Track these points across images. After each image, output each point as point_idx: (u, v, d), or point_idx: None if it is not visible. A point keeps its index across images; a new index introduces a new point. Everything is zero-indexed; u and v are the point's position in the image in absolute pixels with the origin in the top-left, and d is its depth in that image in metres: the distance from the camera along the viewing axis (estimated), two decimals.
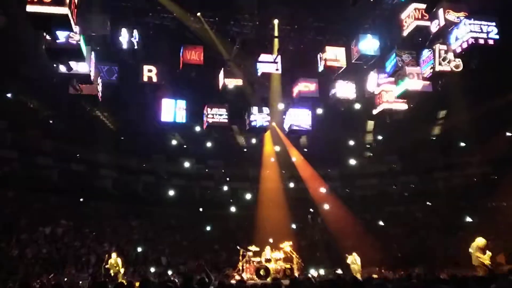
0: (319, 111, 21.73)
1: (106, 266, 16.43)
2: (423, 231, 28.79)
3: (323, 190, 31.12)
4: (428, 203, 31.22)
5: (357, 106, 20.21)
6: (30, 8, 11.07)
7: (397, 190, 33.93)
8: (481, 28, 13.16)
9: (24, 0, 11.02)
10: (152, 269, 21.86)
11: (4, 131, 25.14)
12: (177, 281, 11.88)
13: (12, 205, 23.38)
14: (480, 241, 13.35)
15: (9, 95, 23.23)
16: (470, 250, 13.44)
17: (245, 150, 30.32)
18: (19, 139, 25.77)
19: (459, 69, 14.85)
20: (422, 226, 29.59)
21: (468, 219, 27.69)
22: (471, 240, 13.74)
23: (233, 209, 32.00)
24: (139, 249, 23.77)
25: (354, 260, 18.61)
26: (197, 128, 23.32)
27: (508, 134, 27.14)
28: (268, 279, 16.26)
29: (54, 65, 14.30)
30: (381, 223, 30.69)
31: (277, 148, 28.50)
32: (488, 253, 13.22)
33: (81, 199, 27.35)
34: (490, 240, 15.53)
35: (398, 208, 31.98)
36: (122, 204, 28.35)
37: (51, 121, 25.71)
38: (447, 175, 32.11)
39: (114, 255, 16.96)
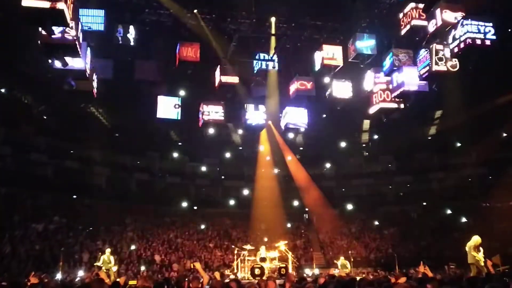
0: (315, 109, 21.67)
1: (98, 264, 16.26)
2: (418, 231, 28.86)
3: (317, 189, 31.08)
4: (423, 203, 31.32)
5: (354, 105, 20.15)
6: (25, 2, 10.90)
7: (392, 190, 34.01)
8: (478, 29, 13.12)
9: None
10: (142, 268, 21.68)
11: None
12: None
13: (5, 201, 23.17)
14: (476, 239, 13.35)
15: (2, 90, 23.04)
16: (466, 248, 13.44)
17: (240, 148, 30.26)
18: (12, 135, 25.56)
19: (456, 69, 14.84)
20: (417, 226, 29.67)
21: (463, 219, 27.79)
22: (466, 241, 13.73)
23: (228, 207, 31.93)
24: (133, 247, 23.63)
25: (345, 264, 18.63)
26: (193, 126, 23.19)
27: (503, 135, 27.24)
28: (263, 278, 16.20)
29: (49, 60, 14.13)
30: (376, 223, 30.76)
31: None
32: (482, 251, 13.24)
33: (75, 196, 27.19)
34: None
35: (393, 208, 32.07)
36: (116, 201, 28.22)
37: (45, 117, 25.51)
38: (442, 175, 32.21)
39: (108, 250, 16.83)
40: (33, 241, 21.14)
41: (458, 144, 30.50)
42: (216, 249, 26.31)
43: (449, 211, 29.56)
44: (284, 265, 17.22)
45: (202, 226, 29.01)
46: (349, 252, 19.44)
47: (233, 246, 18.90)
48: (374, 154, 33.35)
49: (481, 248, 13.16)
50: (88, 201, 27.12)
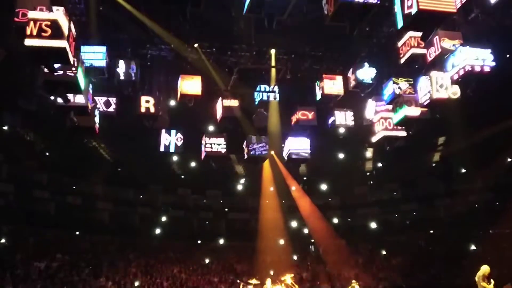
0: (318, 139, 21.62)
1: None
2: (426, 260, 28.25)
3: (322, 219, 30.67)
4: (430, 231, 30.81)
5: (356, 134, 20.11)
6: (28, 42, 11.03)
7: (398, 219, 33.54)
8: (476, 56, 13.21)
9: (22, 33, 11.01)
10: None
11: (0, 163, 24.92)
12: None
13: (7, 239, 22.93)
14: (485, 269, 13.02)
15: (5, 127, 23.14)
16: (476, 279, 13.09)
17: (243, 179, 30.09)
18: (15, 171, 25.53)
19: (457, 96, 14.83)
20: (426, 255, 29.07)
21: (472, 247, 27.23)
22: (475, 268, 13.40)
23: (232, 240, 31.46)
24: (137, 283, 23.19)
25: None
26: (195, 158, 23.17)
27: (509, 159, 27.02)
28: None
29: (51, 97, 14.22)
30: (383, 252, 30.19)
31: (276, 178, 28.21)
32: (492, 282, 12.89)
33: (77, 232, 26.90)
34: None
35: (401, 237, 31.49)
36: (119, 236, 27.88)
37: (47, 153, 25.54)
38: (448, 202, 31.75)
39: None
40: (35, 280, 20.77)
41: (463, 170, 30.25)
42: (221, 284, 25.78)
43: (457, 239, 29.01)
44: None
45: (207, 261, 28.52)
46: (358, 283, 18.94)
47: (238, 281, 18.48)
48: (379, 183, 33.08)
49: (492, 280, 12.83)
50: (91, 237, 26.81)
